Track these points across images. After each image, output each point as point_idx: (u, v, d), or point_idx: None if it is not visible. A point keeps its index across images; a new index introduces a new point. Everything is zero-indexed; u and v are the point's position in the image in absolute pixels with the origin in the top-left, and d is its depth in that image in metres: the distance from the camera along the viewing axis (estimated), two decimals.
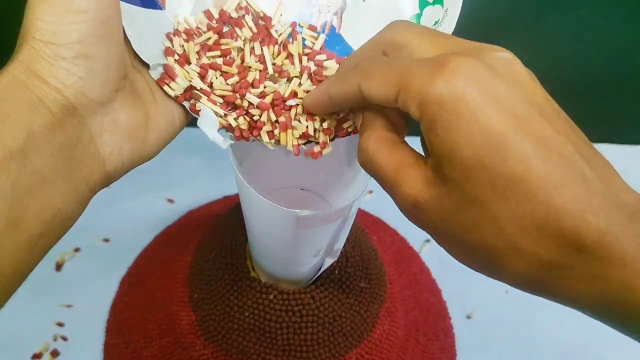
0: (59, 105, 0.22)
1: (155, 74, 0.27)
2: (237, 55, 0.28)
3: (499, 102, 0.19)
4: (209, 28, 0.28)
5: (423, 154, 0.23)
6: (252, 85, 0.27)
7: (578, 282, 0.19)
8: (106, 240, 0.52)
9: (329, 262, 0.36)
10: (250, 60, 0.28)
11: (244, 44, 0.28)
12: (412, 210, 0.21)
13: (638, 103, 0.63)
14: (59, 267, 0.50)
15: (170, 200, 0.56)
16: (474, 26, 0.56)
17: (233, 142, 0.28)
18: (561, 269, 0.19)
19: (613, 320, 0.19)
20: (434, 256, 0.53)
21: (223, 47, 0.28)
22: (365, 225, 0.51)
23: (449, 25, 0.28)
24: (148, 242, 0.52)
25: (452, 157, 0.19)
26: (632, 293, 0.18)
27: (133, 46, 0.25)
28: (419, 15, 0.29)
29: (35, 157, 0.21)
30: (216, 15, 0.28)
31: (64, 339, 0.45)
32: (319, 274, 0.37)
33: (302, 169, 0.38)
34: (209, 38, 0.28)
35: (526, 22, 0.54)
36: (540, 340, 0.49)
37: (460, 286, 0.52)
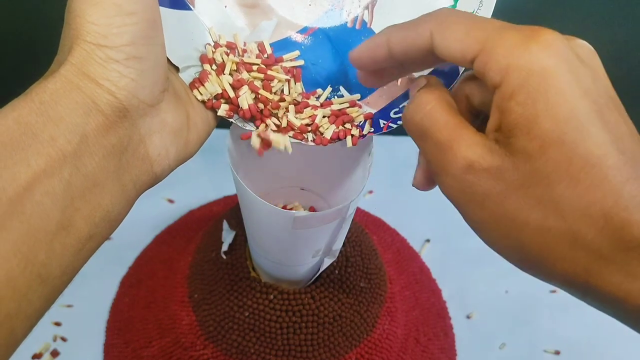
0: (111, 107, 0.22)
1: (185, 76, 0.27)
2: (277, 83, 0.28)
3: (584, 85, 0.19)
4: (259, 57, 0.28)
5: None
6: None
7: (633, 278, 0.18)
8: (106, 239, 0.52)
9: (327, 262, 0.36)
10: (288, 96, 0.28)
11: (287, 81, 0.28)
12: (462, 175, 0.20)
13: (638, 103, 0.63)
14: None
15: (171, 200, 0.56)
16: None
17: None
18: (618, 264, 0.18)
19: None
20: (434, 256, 0.53)
21: (269, 72, 0.28)
22: (365, 225, 0.51)
23: (484, 16, 0.28)
24: (148, 242, 0.52)
25: (530, 128, 0.18)
26: None
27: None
28: (452, 7, 0.28)
29: (87, 160, 0.21)
30: (268, 50, 0.28)
31: (64, 339, 0.45)
32: (318, 274, 0.37)
33: (301, 168, 0.38)
34: (256, 64, 0.28)
35: (526, 21, 0.54)
36: (540, 340, 0.49)
37: (460, 286, 0.52)
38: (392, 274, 0.47)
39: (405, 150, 0.56)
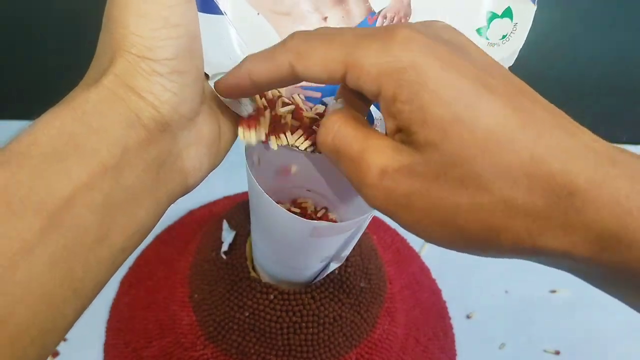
0: (154, 121, 0.21)
1: (214, 84, 0.26)
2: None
3: (456, 64, 0.19)
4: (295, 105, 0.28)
5: None
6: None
7: (573, 229, 0.18)
8: None
9: (333, 266, 0.36)
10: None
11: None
12: (380, 182, 0.20)
13: (638, 103, 0.63)
14: None
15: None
16: None
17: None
18: (556, 217, 0.18)
19: (607, 272, 0.18)
20: (434, 256, 0.53)
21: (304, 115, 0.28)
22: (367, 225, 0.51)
23: (517, 40, 0.27)
24: (148, 242, 0.52)
25: (424, 119, 0.18)
26: (628, 233, 0.17)
27: None
28: (485, 29, 0.28)
29: (128, 173, 0.20)
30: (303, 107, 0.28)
31: (64, 339, 0.45)
32: (321, 277, 0.37)
33: (310, 170, 0.38)
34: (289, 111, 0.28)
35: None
36: (540, 340, 0.49)
37: (460, 286, 0.52)
38: (392, 274, 0.47)
39: None
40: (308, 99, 0.29)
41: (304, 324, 0.38)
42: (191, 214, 0.55)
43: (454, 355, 0.48)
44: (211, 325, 0.39)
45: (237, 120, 0.27)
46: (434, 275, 0.53)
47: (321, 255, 0.34)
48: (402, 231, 0.55)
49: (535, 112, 0.18)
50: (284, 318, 0.37)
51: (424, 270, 0.53)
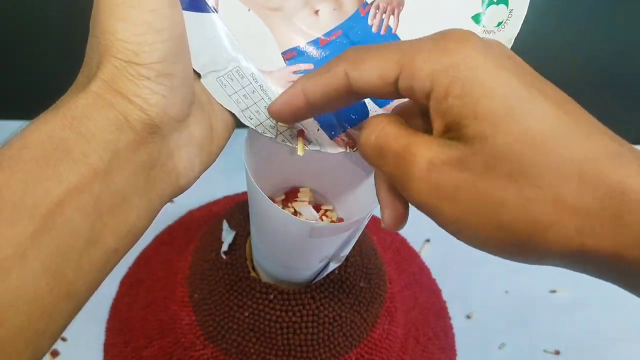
0: (143, 124, 0.22)
1: (207, 81, 0.26)
2: None
3: (509, 67, 0.19)
4: None
5: None
6: None
7: (625, 229, 0.17)
8: None
9: (332, 266, 0.36)
10: None
11: None
12: (427, 174, 0.19)
13: (638, 103, 0.63)
14: None
15: (171, 200, 0.56)
16: None
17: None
18: (607, 217, 0.17)
19: None
20: (434, 256, 0.53)
21: None
22: (365, 225, 0.51)
23: (513, 27, 0.27)
24: (148, 242, 0.52)
25: (476, 113, 0.18)
26: None
27: None
28: (482, 15, 0.28)
29: (117, 176, 0.21)
30: None
31: (64, 339, 0.45)
32: (320, 276, 0.37)
33: (311, 171, 0.38)
34: None
35: (526, 21, 0.54)
36: (540, 340, 0.49)
37: (460, 286, 0.52)
38: (392, 273, 0.47)
39: None
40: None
41: (303, 324, 0.38)
42: (191, 214, 0.55)
43: (454, 355, 0.48)
44: (211, 325, 0.39)
45: (230, 119, 0.27)
46: (434, 275, 0.53)
47: (320, 255, 0.34)
48: (402, 231, 0.55)
49: (583, 116, 0.19)
50: (284, 318, 0.37)
51: (424, 270, 0.53)
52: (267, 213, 0.30)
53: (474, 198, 0.19)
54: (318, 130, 0.28)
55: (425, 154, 0.20)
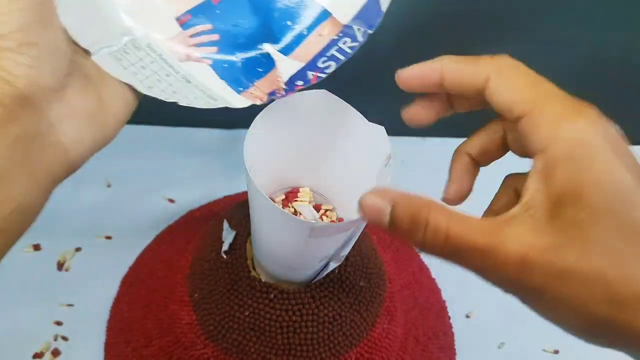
0: (10, 97, 0.21)
1: (99, 57, 0.26)
2: None
3: (625, 161, 0.20)
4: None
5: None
6: None
7: None
8: (107, 239, 0.52)
9: (332, 266, 0.36)
10: None
11: None
12: (520, 271, 0.20)
13: (638, 103, 0.63)
14: (60, 266, 0.50)
15: (171, 200, 0.56)
16: (474, 25, 0.56)
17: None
18: None
19: None
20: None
21: None
22: (365, 225, 0.51)
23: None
24: (149, 242, 0.52)
25: (578, 198, 0.19)
26: None
27: (70, 34, 0.24)
28: None
29: None
30: None
31: (65, 338, 0.45)
32: (320, 276, 0.37)
33: (311, 171, 0.38)
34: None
35: (527, 21, 0.54)
36: (539, 339, 0.49)
37: (460, 286, 0.52)
38: (391, 273, 0.47)
39: (404, 149, 0.56)
40: (229, 48, 0.28)
41: (303, 323, 0.38)
42: (191, 214, 0.55)
43: (454, 354, 0.48)
44: (211, 325, 0.40)
45: (128, 92, 0.26)
46: (433, 274, 0.53)
47: (320, 255, 0.34)
48: None
49: None
50: (284, 317, 0.38)
51: (424, 270, 0.53)
52: (267, 213, 0.30)
53: (564, 288, 0.20)
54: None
55: (518, 248, 0.20)
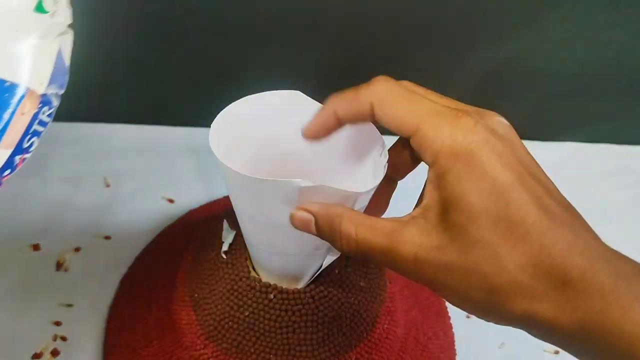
0: None
1: None
2: None
3: (504, 159, 0.22)
4: None
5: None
6: None
7: (562, 312, 0.21)
8: (107, 239, 0.52)
9: (330, 259, 0.36)
10: None
11: None
12: (414, 267, 0.23)
13: (638, 103, 0.63)
14: (59, 266, 0.50)
15: (171, 200, 0.56)
16: (474, 25, 0.56)
17: None
18: (549, 301, 0.21)
19: (587, 350, 0.22)
20: None
21: None
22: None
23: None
24: (148, 242, 0.52)
25: (458, 203, 0.22)
26: (606, 320, 0.20)
27: None
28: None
29: None
30: None
31: (64, 338, 0.45)
32: (319, 272, 0.37)
33: (304, 163, 0.37)
34: None
35: (527, 21, 0.54)
36: (540, 340, 0.49)
37: None
38: (391, 273, 0.47)
39: None
40: None
41: (303, 323, 0.38)
42: (191, 214, 0.55)
43: (454, 354, 0.48)
44: (211, 325, 0.40)
45: None
46: None
47: (314, 237, 0.30)
48: None
49: (553, 210, 0.22)
50: (284, 317, 0.37)
51: None
52: (246, 189, 0.29)
53: (449, 279, 0.23)
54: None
55: (410, 249, 0.23)
